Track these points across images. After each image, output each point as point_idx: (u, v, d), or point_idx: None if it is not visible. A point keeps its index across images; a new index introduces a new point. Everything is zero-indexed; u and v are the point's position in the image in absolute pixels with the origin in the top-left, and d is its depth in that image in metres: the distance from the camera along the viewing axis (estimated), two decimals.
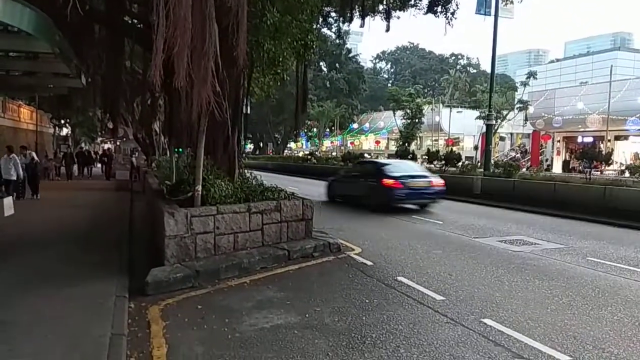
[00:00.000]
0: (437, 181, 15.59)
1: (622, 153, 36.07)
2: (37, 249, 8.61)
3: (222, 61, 6.71)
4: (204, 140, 8.04)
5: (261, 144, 76.32)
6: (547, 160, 42.41)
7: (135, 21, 13.69)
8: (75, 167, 27.46)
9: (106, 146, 50.61)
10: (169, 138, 13.50)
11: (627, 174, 19.56)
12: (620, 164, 29.10)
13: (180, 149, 13.27)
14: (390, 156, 46.05)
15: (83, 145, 46.16)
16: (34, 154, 17.27)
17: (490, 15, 22.77)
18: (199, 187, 7.92)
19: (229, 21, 6.98)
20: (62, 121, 37.53)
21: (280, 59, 10.95)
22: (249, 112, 22.88)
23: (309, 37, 11.68)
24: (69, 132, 42.29)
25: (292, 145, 77.70)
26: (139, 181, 23.55)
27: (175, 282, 6.67)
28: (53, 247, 8.83)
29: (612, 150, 34.12)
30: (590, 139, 38.14)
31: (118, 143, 34.78)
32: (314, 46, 12.76)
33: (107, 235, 10.13)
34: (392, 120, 54.45)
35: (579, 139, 39.57)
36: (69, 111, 30.75)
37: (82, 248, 8.85)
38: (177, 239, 7.35)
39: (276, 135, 71.53)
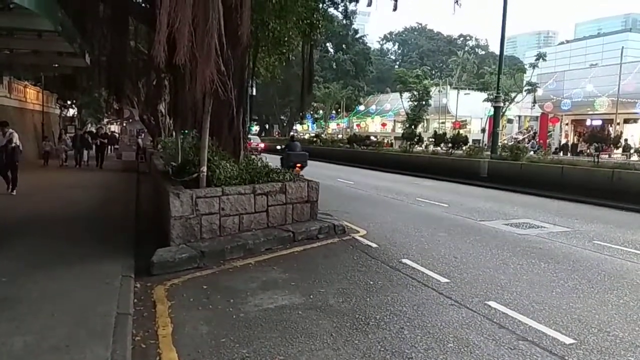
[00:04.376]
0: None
1: (631, 136, 35.68)
2: (44, 230, 8.66)
3: (226, 40, 6.63)
4: (209, 121, 8.01)
5: (267, 126, 76.13)
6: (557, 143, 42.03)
7: (140, 0, 13.53)
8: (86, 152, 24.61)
9: (112, 127, 50.43)
10: (175, 119, 13.43)
11: (635, 157, 19.35)
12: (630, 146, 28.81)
13: (186, 130, 13.23)
14: (396, 139, 45.85)
15: (92, 125, 46.07)
16: (15, 135, 12.71)
17: None
18: (204, 168, 7.91)
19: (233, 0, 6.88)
20: (69, 102, 37.53)
21: (286, 39, 10.84)
22: (254, 93, 22.74)
23: (314, 16, 11.54)
24: (75, 113, 42.34)
25: (298, 127, 77.39)
26: (145, 162, 23.54)
27: (181, 262, 6.70)
28: (61, 227, 8.88)
29: (621, 133, 33.80)
30: (599, 122, 37.70)
31: (124, 124, 34.77)
32: (320, 26, 12.60)
33: (114, 216, 10.17)
34: (399, 102, 53.98)
35: (588, 122, 39.13)
36: (74, 92, 30.61)
37: (89, 228, 8.89)
38: (182, 220, 7.36)
39: (282, 117, 71.31)
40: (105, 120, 48.74)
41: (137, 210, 10.90)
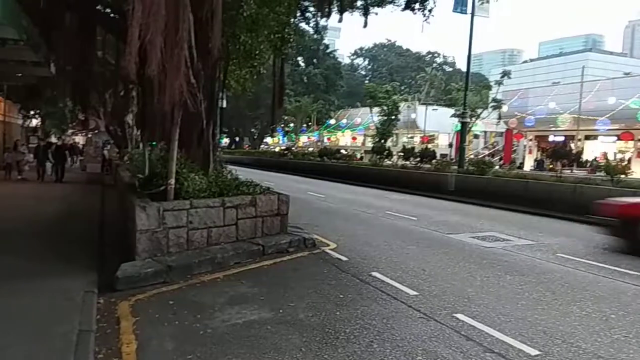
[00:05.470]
0: None
1: (592, 152, 36.99)
2: (3, 244, 8.32)
3: (197, 52, 6.60)
4: (177, 133, 7.90)
5: (237, 139, 75.77)
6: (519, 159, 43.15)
7: (108, 10, 13.34)
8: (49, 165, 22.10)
9: (76, 138, 49.16)
10: (142, 130, 13.21)
11: (597, 172, 20.03)
12: (591, 162, 29.85)
13: (154, 142, 13.03)
14: (366, 152, 46.27)
15: (56, 136, 44.75)
16: None
17: (466, 13, 23.00)
18: (172, 181, 7.78)
19: (204, 12, 6.85)
20: (32, 112, 36.47)
21: (257, 52, 10.86)
22: (225, 105, 22.61)
23: (286, 30, 11.62)
24: (39, 124, 41.16)
25: (268, 140, 77.27)
26: (110, 174, 23.01)
27: (147, 277, 6.53)
28: (20, 242, 8.56)
29: (582, 149, 35.02)
30: (561, 138, 38.97)
31: (90, 135, 34.05)
32: (291, 40, 12.70)
33: (77, 230, 9.87)
34: (369, 116, 54.65)
35: (551, 138, 40.42)
36: (38, 102, 29.75)
37: (51, 243, 8.60)
38: (148, 234, 7.20)
39: (252, 130, 71.13)
40: (70, 131, 47.58)
41: (101, 224, 10.61)
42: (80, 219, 11.19)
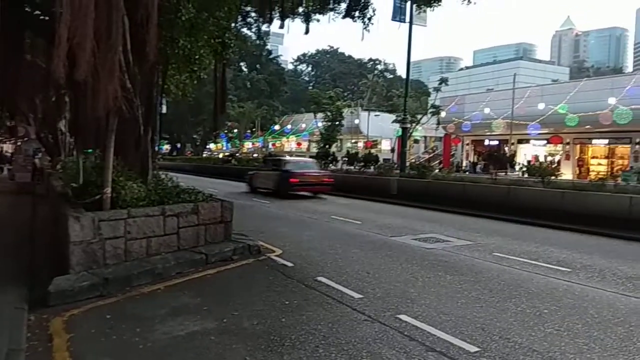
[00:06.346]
0: None
1: (524, 155, 38.95)
2: None
3: (132, 56, 6.38)
4: (113, 140, 7.59)
5: (179, 145, 74.07)
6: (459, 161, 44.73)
7: (37, 12, 12.69)
8: None
9: (4, 147, 46.35)
10: (76, 137, 12.63)
11: (526, 175, 21.04)
12: (522, 165, 31.37)
13: (90, 150, 12.49)
14: (311, 157, 46.41)
15: None
16: None
17: (405, 22, 23.63)
18: (108, 190, 7.46)
19: (139, 15, 6.64)
20: None
21: (197, 57, 10.64)
22: (164, 111, 22.02)
23: (226, 35, 11.46)
24: None
25: (212, 146, 76.07)
26: (42, 184, 21.80)
27: (81, 291, 6.21)
28: None
29: (515, 152, 36.81)
30: (496, 142, 40.82)
31: (19, 143, 32.10)
32: (232, 45, 12.54)
33: (5, 243, 9.25)
34: (313, 122, 54.96)
35: (486, 142, 42.25)
36: None
37: None
38: (83, 245, 6.86)
39: (195, 136, 69.78)
40: None
41: (32, 236, 10.02)
42: (8, 232, 10.51)
